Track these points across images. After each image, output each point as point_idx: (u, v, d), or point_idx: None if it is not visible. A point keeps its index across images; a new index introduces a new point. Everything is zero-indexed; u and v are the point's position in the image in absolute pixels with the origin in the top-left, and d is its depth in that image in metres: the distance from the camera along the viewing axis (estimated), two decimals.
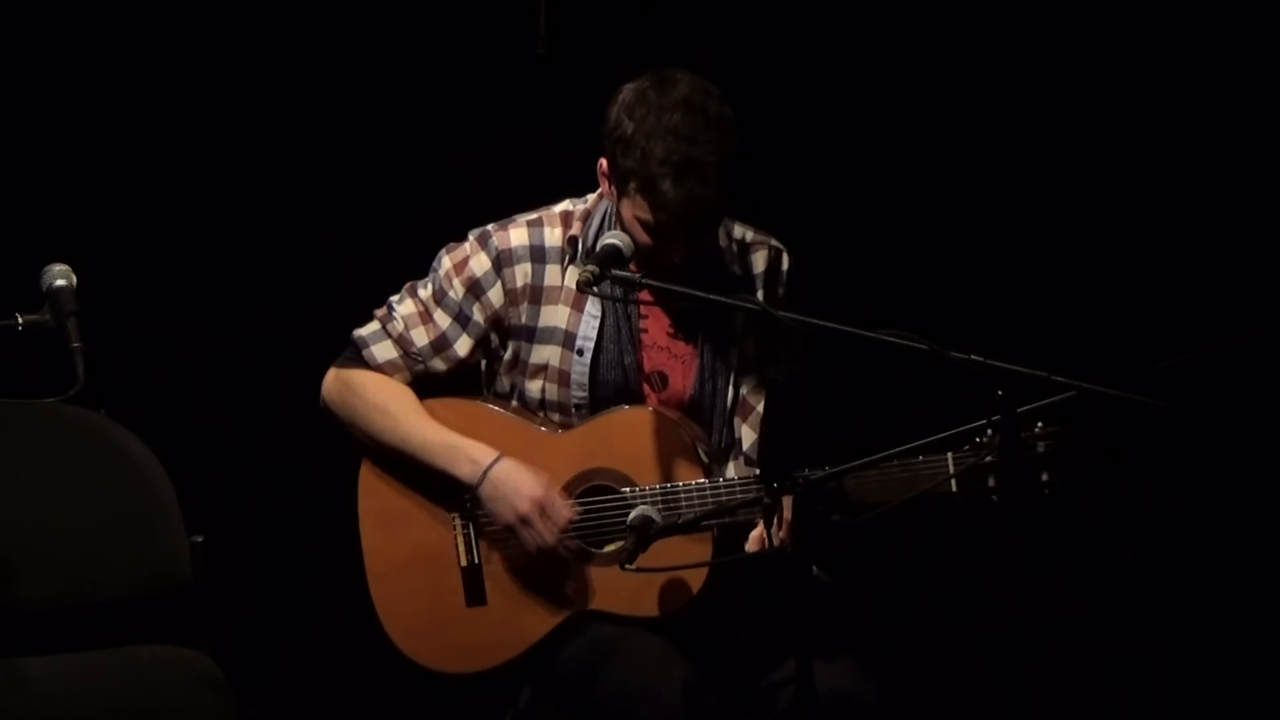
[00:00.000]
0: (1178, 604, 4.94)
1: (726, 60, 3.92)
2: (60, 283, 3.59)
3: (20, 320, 3.56)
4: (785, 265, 4.03)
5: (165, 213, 5.01)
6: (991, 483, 3.66)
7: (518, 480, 3.86)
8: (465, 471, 3.88)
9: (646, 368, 3.96)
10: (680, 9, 4.94)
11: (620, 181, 3.81)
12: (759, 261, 4.01)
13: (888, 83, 5.04)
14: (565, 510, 3.85)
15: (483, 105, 5.05)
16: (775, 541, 3.63)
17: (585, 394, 3.93)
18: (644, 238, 3.81)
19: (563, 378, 3.93)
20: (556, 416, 3.95)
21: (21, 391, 3.83)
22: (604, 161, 3.86)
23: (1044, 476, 3.64)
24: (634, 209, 3.80)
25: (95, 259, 3.79)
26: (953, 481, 3.67)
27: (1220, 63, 4.90)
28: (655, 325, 3.97)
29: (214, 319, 5.04)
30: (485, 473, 3.87)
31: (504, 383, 3.99)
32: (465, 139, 5.04)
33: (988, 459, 3.63)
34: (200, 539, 4.01)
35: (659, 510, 3.68)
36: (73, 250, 3.69)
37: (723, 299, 3.74)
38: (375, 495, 3.96)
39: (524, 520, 3.85)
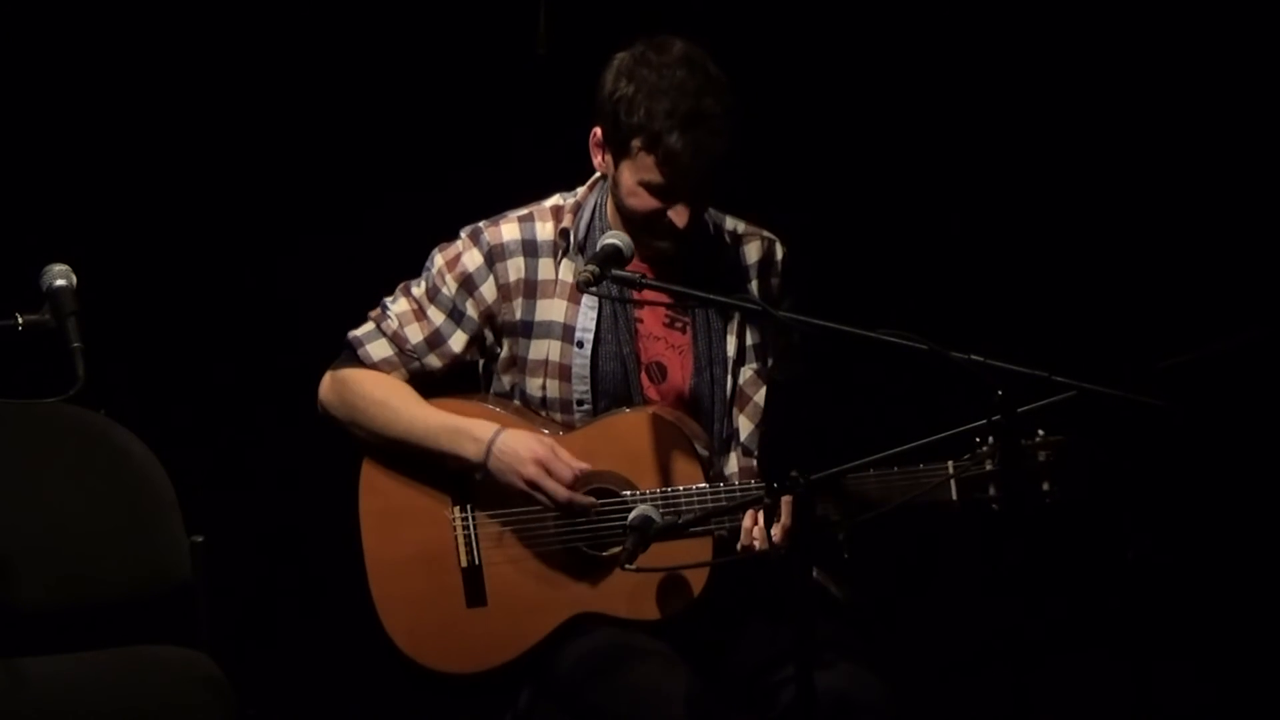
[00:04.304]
0: (1180, 604, 4.94)
1: (726, 59, 3.91)
2: (60, 283, 3.59)
3: (20, 320, 3.56)
4: (779, 255, 4.03)
5: (166, 213, 5.01)
6: (992, 491, 3.66)
7: (518, 446, 3.84)
8: (471, 451, 3.88)
9: (644, 359, 3.95)
10: (680, 9, 4.94)
11: (621, 144, 3.79)
12: (752, 252, 4.01)
13: (887, 82, 5.04)
14: (571, 463, 3.83)
15: (482, 105, 5.04)
16: (772, 542, 3.64)
17: (587, 388, 3.92)
18: (646, 203, 3.80)
19: (563, 372, 3.93)
20: (558, 415, 3.94)
21: (21, 391, 3.83)
22: (598, 130, 3.85)
23: (1045, 486, 3.64)
24: (637, 171, 3.79)
25: (95, 259, 3.79)
26: (953, 489, 3.67)
27: (1220, 63, 4.90)
28: (651, 316, 3.97)
29: (214, 319, 5.04)
30: (489, 448, 3.86)
31: (504, 382, 3.99)
32: (466, 139, 5.04)
33: (988, 468, 3.63)
34: (200, 539, 4.01)
35: (659, 512, 3.69)
36: (73, 250, 3.69)
37: (724, 299, 3.74)
38: (376, 494, 3.96)
39: (532, 484, 3.84)
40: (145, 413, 4.15)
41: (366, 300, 4.03)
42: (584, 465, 3.84)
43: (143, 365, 4.94)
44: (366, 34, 5.01)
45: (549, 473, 3.82)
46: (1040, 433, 3.64)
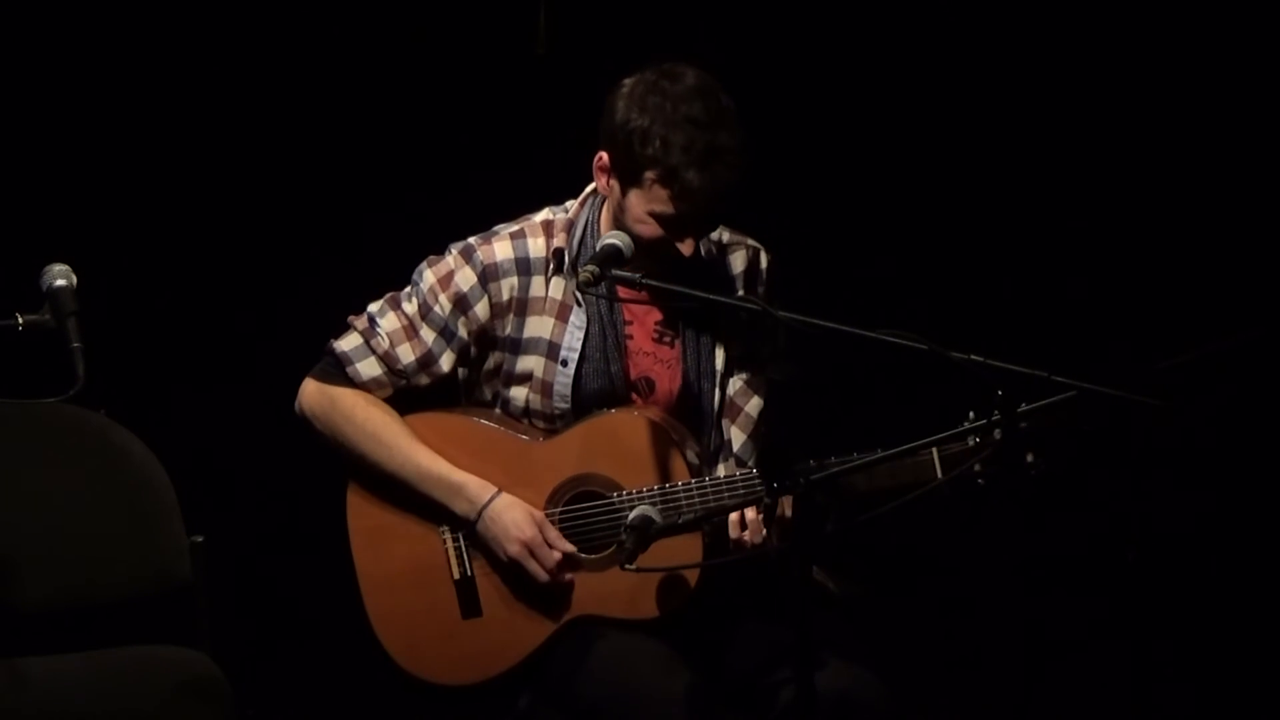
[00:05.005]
0: (1178, 604, 4.94)
1: (726, 60, 3.91)
2: (60, 283, 3.59)
3: (20, 320, 3.56)
4: (764, 264, 4.01)
5: (165, 213, 5.02)
6: (977, 466, 3.63)
7: (507, 521, 3.85)
8: (462, 510, 3.88)
9: (633, 375, 3.94)
10: (680, 9, 4.94)
11: (633, 174, 3.76)
12: (737, 262, 3.99)
13: (887, 83, 5.04)
14: (556, 548, 3.84)
15: (482, 105, 5.04)
16: (769, 539, 3.63)
17: (567, 405, 3.91)
18: (653, 231, 3.77)
19: (545, 388, 3.91)
20: (540, 424, 3.94)
21: (21, 391, 3.83)
22: (605, 156, 3.81)
23: (1029, 457, 3.60)
24: (648, 202, 3.76)
25: (95, 259, 3.79)
26: (937, 468, 3.64)
27: (1220, 63, 4.90)
28: (640, 331, 3.96)
29: (214, 319, 5.04)
30: (480, 513, 3.87)
31: (485, 391, 3.97)
32: (465, 140, 5.04)
33: (972, 442, 3.61)
34: (200, 539, 4.01)
35: (658, 510, 3.68)
36: (73, 250, 3.69)
37: (724, 299, 3.73)
38: (364, 514, 3.95)
39: (516, 560, 3.85)
40: (145, 413, 4.15)
41: (366, 301, 4.02)
42: (569, 548, 3.84)
43: (143, 365, 4.94)
44: (365, 33, 5.01)
45: (533, 556, 3.84)
46: (1022, 404, 3.61)
